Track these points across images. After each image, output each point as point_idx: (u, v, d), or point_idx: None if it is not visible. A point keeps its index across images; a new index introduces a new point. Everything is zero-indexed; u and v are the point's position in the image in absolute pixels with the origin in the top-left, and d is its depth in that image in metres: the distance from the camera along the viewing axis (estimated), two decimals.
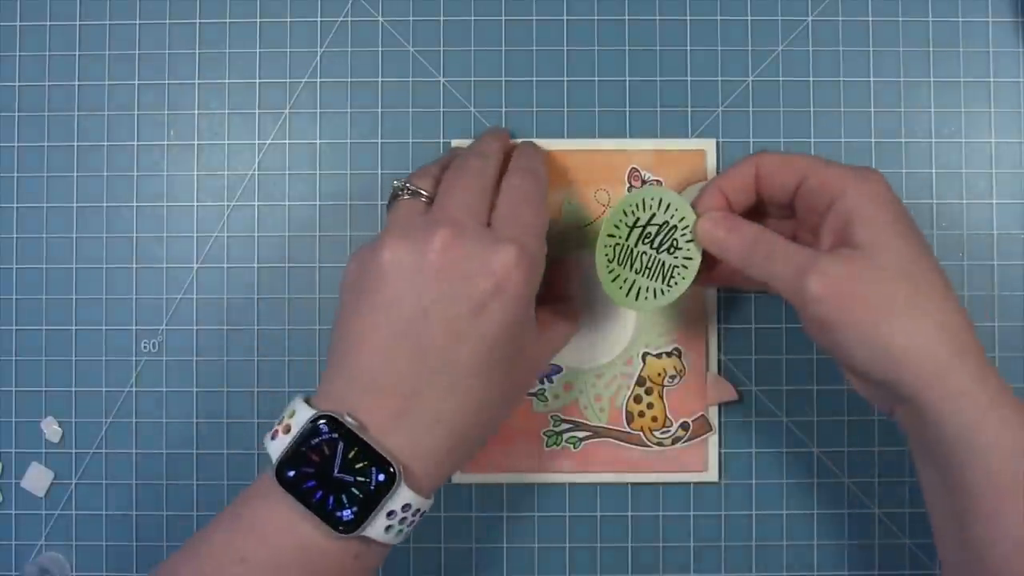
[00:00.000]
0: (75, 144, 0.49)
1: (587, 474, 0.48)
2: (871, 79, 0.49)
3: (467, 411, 0.38)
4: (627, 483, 0.49)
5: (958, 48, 0.49)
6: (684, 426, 0.48)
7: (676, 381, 0.48)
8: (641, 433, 0.48)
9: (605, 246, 0.45)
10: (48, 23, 0.49)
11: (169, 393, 0.49)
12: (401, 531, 0.38)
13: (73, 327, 0.49)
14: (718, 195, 0.43)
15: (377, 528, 0.37)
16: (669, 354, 0.48)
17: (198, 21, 0.49)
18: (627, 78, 0.49)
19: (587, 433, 0.48)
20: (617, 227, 0.45)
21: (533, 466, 0.48)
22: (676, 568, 0.49)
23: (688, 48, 0.49)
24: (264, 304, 0.49)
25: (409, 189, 0.41)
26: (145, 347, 0.49)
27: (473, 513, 0.49)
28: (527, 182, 0.41)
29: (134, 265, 0.49)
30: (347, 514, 0.36)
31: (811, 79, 0.49)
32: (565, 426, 0.48)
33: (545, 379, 0.48)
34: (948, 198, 0.49)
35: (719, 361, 0.48)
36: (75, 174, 0.49)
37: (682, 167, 0.48)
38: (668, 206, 0.44)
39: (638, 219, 0.45)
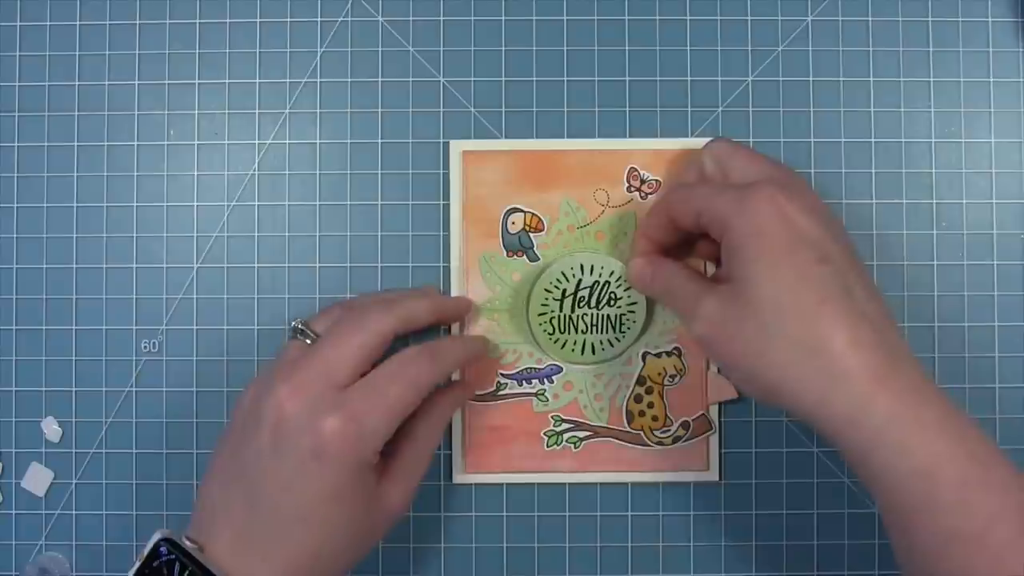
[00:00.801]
0: (75, 144, 0.49)
1: (588, 474, 0.48)
2: (871, 79, 0.49)
3: (295, 555, 0.39)
4: (627, 483, 0.49)
5: (958, 48, 0.49)
6: (685, 425, 0.48)
7: (676, 380, 0.48)
8: (642, 433, 0.48)
9: (540, 324, 0.48)
10: (48, 23, 0.49)
11: (169, 393, 0.49)
12: None
13: (73, 327, 0.49)
14: (643, 241, 0.45)
15: None
16: (669, 353, 0.48)
17: (198, 21, 0.49)
18: (627, 78, 0.49)
19: (588, 433, 0.48)
20: (546, 303, 0.48)
21: (534, 466, 0.48)
22: (676, 568, 0.49)
23: (688, 48, 0.49)
24: (264, 304, 0.49)
25: (299, 330, 0.43)
26: (145, 347, 0.49)
27: (473, 513, 0.49)
28: (416, 363, 0.41)
29: (134, 265, 0.49)
30: None
31: (811, 79, 0.49)
32: (566, 426, 0.48)
33: (545, 379, 0.48)
34: (948, 198, 0.49)
35: None
36: (75, 174, 0.49)
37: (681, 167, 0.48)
38: (592, 268, 0.48)
39: (564, 290, 0.48)
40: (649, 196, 0.48)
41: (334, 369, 0.40)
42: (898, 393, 0.36)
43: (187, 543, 0.39)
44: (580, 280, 0.48)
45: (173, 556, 0.38)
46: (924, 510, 0.36)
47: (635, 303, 0.48)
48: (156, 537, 0.39)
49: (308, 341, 0.43)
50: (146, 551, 0.39)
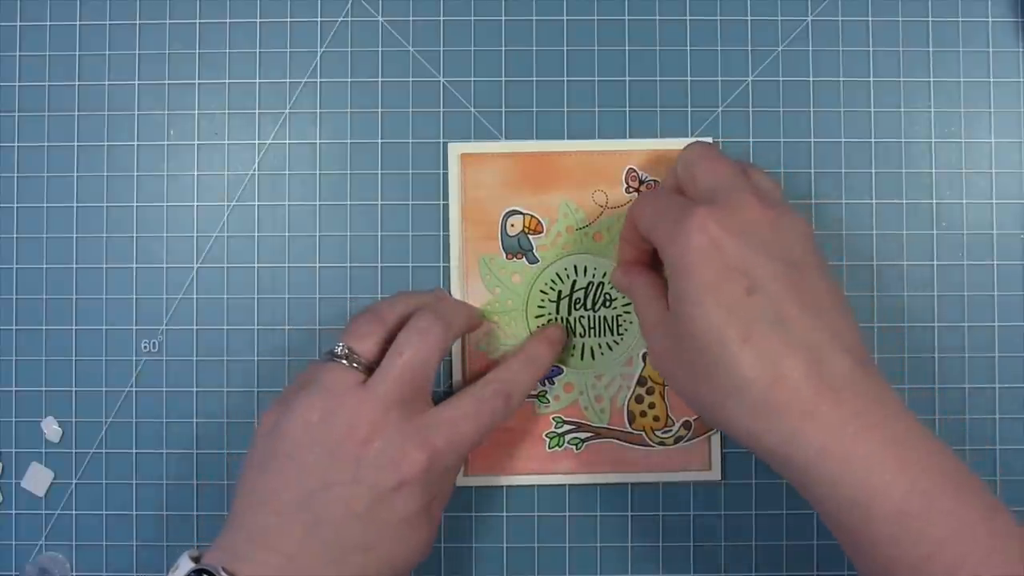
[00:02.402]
0: (75, 144, 0.49)
1: (591, 475, 0.48)
2: (871, 79, 0.49)
3: None
4: (628, 483, 0.49)
5: (958, 48, 0.49)
6: (686, 425, 0.48)
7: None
8: (643, 433, 0.48)
9: (539, 326, 0.48)
10: (48, 23, 0.49)
11: (169, 393, 0.49)
12: None
13: (73, 327, 0.49)
14: (623, 246, 0.46)
15: None
16: None
17: (198, 21, 0.49)
18: (627, 78, 0.49)
19: (589, 434, 0.48)
20: (543, 306, 0.48)
21: (536, 468, 0.48)
22: (676, 568, 0.49)
23: (688, 48, 0.49)
24: (264, 304, 0.49)
25: (345, 353, 0.41)
26: (145, 347, 0.49)
27: (473, 513, 0.49)
28: (490, 401, 0.42)
29: (134, 265, 0.49)
30: None
31: (811, 79, 0.49)
32: (567, 427, 0.48)
33: (546, 381, 0.48)
34: (948, 198, 0.49)
35: None
36: (75, 174, 0.49)
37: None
38: (586, 269, 0.48)
39: (560, 292, 0.48)
40: None
41: (411, 394, 0.41)
42: (829, 426, 0.35)
43: (223, 573, 0.37)
44: (575, 281, 0.48)
45: None
46: (863, 538, 0.36)
47: (630, 304, 0.48)
48: (188, 566, 0.38)
49: (355, 365, 0.41)
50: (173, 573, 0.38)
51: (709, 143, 0.44)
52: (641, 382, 0.48)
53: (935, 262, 0.49)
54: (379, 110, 0.49)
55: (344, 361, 0.41)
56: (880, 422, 0.36)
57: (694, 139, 0.49)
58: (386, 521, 0.39)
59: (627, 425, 0.48)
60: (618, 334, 0.48)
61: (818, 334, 0.37)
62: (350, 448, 0.39)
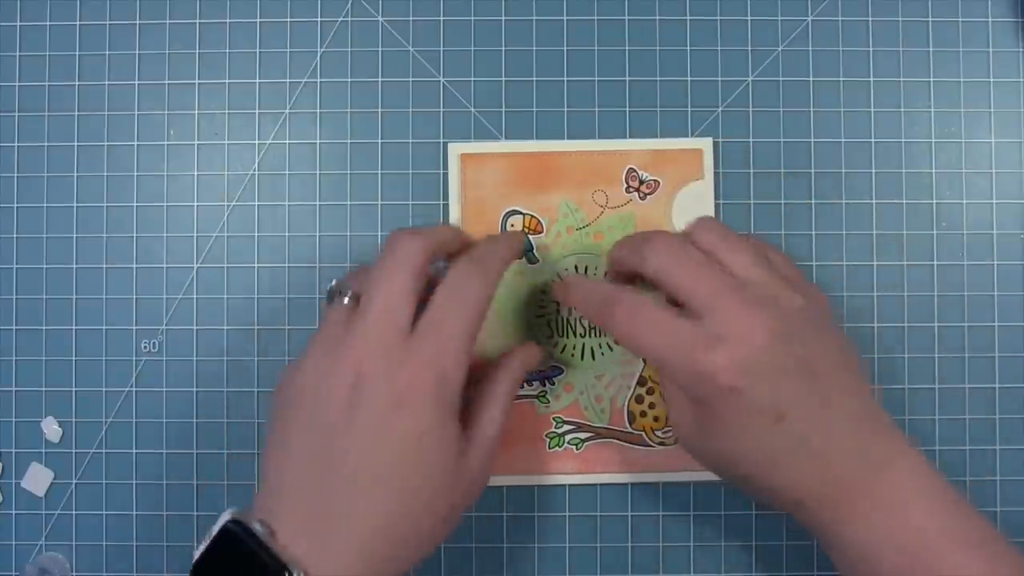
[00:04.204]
0: (75, 144, 0.49)
1: (591, 475, 0.48)
2: (871, 79, 0.49)
3: (376, 519, 0.38)
4: (629, 483, 0.49)
5: (958, 48, 0.49)
6: None
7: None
8: (643, 433, 0.48)
9: (539, 327, 0.48)
10: (48, 23, 0.49)
11: (169, 393, 0.49)
12: None
13: (73, 327, 0.49)
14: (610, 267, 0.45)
15: None
16: None
17: (198, 21, 0.49)
18: (627, 78, 0.49)
19: (589, 434, 0.48)
20: (543, 306, 0.48)
21: (536, 468, 0.48)
22: (676, 568, 0.49)
23: (688, 48, 0.49)
24: (264, 304, 0.49)
25: (336, 292, 0.41)
26: (145, 347, 0.49)
27: (473, 513, 0.49)
28: (465, 281, 0.41)
29: (134, 265, 0.49)
30: None
31: (811, 79, 0.49)
32: (567, 428, 0.48)
33: (546, 381, 0.48)
34: (948, 198, 0.49)
35: None
36: (75, 174, 0.49)
37: (679, 166, 0.48)
38: (585, 269, 0.48)
39: None
40: (648, 196, 0.48)
41: (394, 317, 0.39)
42: (857, 525, 0.39)
43: (257, 527, 0.37)
44: None
45: (244, 541, 0.37)
46: None
47: None
48: (225, 518, 0.38)
49: (346, 300, 0.41)
50: (215, 531, 0.38)
51: (664, 236, 0.42)
52: (641, 382, 0.48)
53: (935, 262, 0.49)
54: (379, 110, 0.49)
55: (337, 299, 0.41)
56: (901, 507, 0.38)
57: (694, 139, 0.49)
58: (398, 447, 0.38)
59: (627, 425, 0.48)
60: None
61: (844, 436, 0.39)
62: (345, 380, 0.38)
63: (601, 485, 0.49)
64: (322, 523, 0.38)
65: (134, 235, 0.49)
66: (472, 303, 0.40)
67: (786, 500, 0.40)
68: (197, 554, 0.38)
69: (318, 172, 0.49)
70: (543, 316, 0.48)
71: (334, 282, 0.42)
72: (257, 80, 0.49)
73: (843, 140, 0.49)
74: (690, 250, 0.41)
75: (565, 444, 0.48)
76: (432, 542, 0.40)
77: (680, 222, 0.48)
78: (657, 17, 0.49)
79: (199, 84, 0.49)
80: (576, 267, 0.48)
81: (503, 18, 0.49)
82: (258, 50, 0.49)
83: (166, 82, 0.49)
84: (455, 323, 0.39)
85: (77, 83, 0.49)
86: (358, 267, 0.44)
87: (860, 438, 0.39)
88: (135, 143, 0.49)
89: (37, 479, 0.49)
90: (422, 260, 0.40)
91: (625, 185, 0.48)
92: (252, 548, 0.37)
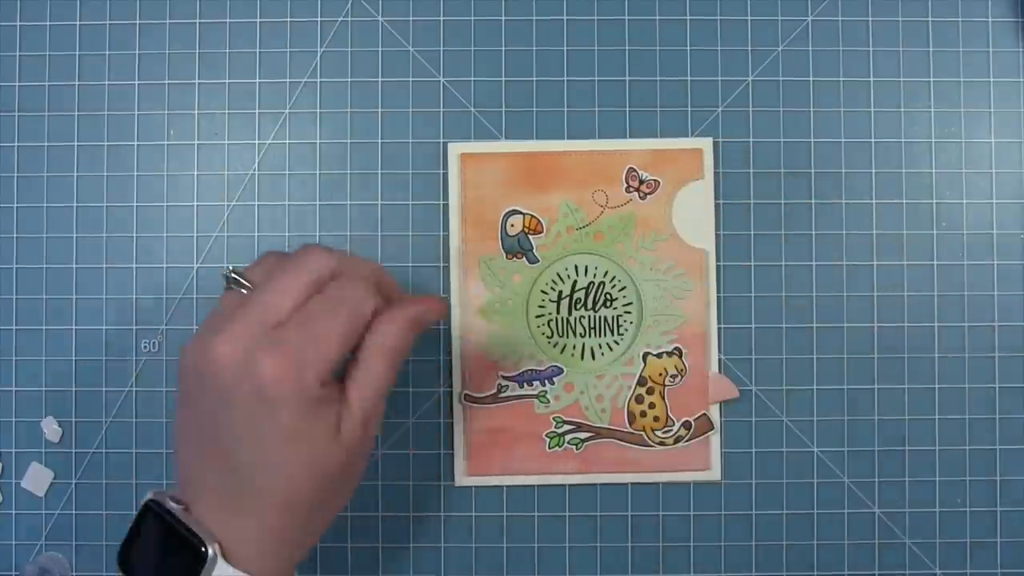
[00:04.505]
0: (75, 144, 0.49)
1: (591, 475, 0.48)
2: (871, 79, 0.49)
3: (268, 506, 0.38)
4: (629, 483, 0.49)
5: (958, 48, 0.49)
6: (686, 425, 0.48)
7: (677, 380, 0.48)
8: (643, 433, 0.48)
9: (539, 327, 0.48)
10: (48, 23, 0.49)
11: (169, 393, 0.49)
12: None
13: (73, 327, 0.49)
14: None
15: None
16: (670, 353, 0.48)
17: (198, 21, 0.49)
18: (627, 78, 0.49)
19: (589, 434, 0.48)
20: (543, 306, 0.48)
21: (536, 468, 0.48)
22: (676, 568, 0.49)
23: (688, 48, 0.49)
24: None
25: (232, 279, 0.41)
26: (145, 347, 0.49)
27: (473, 513, 0.49)
28: (353, 288, 0.39)
29: (134, 265, 0.49)
30: None
31: (811, 79, 0.49)
32: (567, 427, 0.48)
33: (546, 381, 0.48)
34: (948, 198, 0.49)
35: (719, 361, 0.49)
36: (75, 174, 0.49)
37: (679, 166, 0.48)
38: (586, 269, 0.48)
39: (560, 292, 0.48)
40: (648, 196, 0.48)
41: (270, 312, 0.38)
42: None
43: (172, 504, 0.39)
44: (575, 282, 0.48)
45: (161, 518, 0.38)
46: None
47: (630, 304, 0.48)
48: (146, 497, 0.39)
49: (244, 291, 0.40)
50: (134, 517, 0.39)
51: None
52: (641, 382, 0.48)
53: (935, 262, 0.49)
54: (379, 110, 0.49)
55: (233, 287, 0.40)
56: None
57: (694, 139, 0.49)
58: (271, 437, 0.38)
59: (627, 425, 0.48)
60: (618, 334, 0.48)
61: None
62: (211, 369, 0.38)
63: (601, 485, 0.49)
64: (227, 504, 0.39)
65: (134, 235, 0.49)
66: (351, 304, 0.39)
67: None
68: (122, 538, 0.39)
69: (318, 172, 0.49)
70: (543, 316, 0.48)
71: (229, 271, 0.41)
72: (257, 80, 0.49)
73: (843, 140, 0.49)
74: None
75: (565, 444, 0.48)
76: (334, 510, 0.41)
77: (680, 222, 0.48)
78: (657, 17, 0.49)
79: (199, 84, 0.49)
80: (576, 267, 0.48)
81: (503, 18, 0.49)
82: (258, 50, 0.49)
83: (166, 82, 0.49)
84: (326, 319, 0.38)
85: (77, 83, 0.49)
86: (267, 254, 0.42)
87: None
88: (135, 143, 0.49)
89: (37, 479, 0.49)
90: (324, 275, 0.39)
91: (625, 185, 0.49)
92: (171, 523, 0.38)
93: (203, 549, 0.37)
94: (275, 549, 0.39)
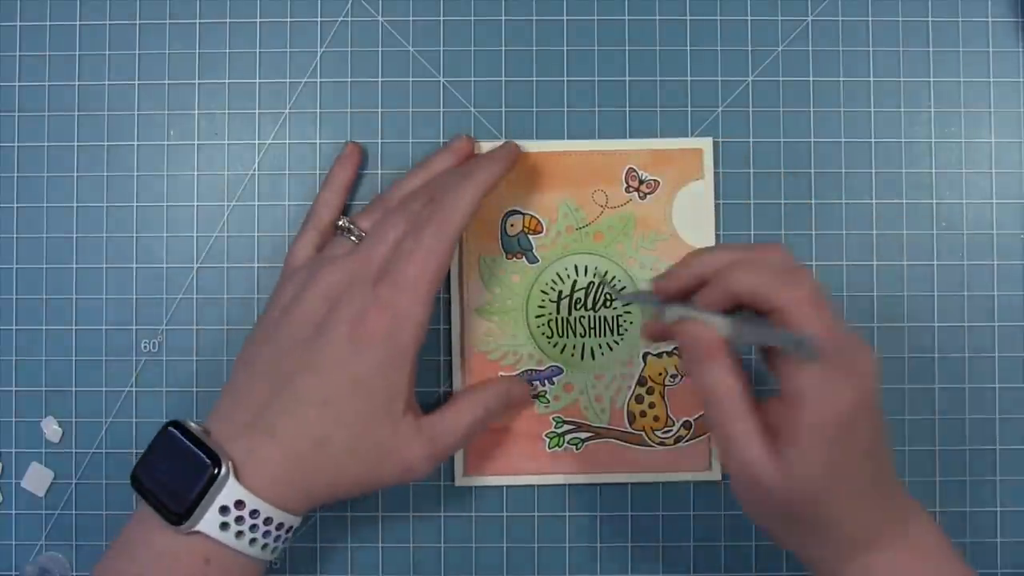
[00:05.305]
0: (75, 144, 0.49)
1: (591, 475, 0.48)
2: (871, 79, 0.49)
3: (302, 435, 0.40)
4: (629, 483, 0.49)
5: (958, 48, 0.49)
6: (686, 425, 0.48)
7: (677, 380, 0.48)
8: (643, 433, 0.48)
9: (539, 327, 0.48)
10: (48, 23, 0.49)
11: (169, 393, 0.49)
12: (255, 540, 0.39)
13: (73, 327, 0.49)
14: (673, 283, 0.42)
15: (210, 523, 0.39)
16: (670, 353, 0.48)
17: (198, 21, 0.49)
18: (627, 78, 0.49)
19: (589, 434, 0.48)
20: (543, 306, 0.48)
21: (536, 468, 0.48)
22: (676, 568, 0.49)
23: (688, 48, 0.49)
24: (264, 304, 0.49)
25: (345, 228, 0.45)
26: (145, 347, 0.49)
27: (473, 513, 0.49)
28: (427, 235, 0.41)
29: (134, 265, 0.49)
30: (179, 507, 0.39)
31: (811, 79, 0.49)
32: (567, 427, 0.48)
33: (546, 381, 0.48)
34: (948, 198, 0.49)
35: None
36: (75, 174, 0.49)
37: (679, 166, 0.48)
38: (586, 269, 0.48)
39: (560, 292, 0.48)
40: (648, 196, 0.48)
41: (375, 266, 0.42)
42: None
43: (193, 425, 0.40)
44: (575, 282, 0.48)
45: (177, 438, 0.40)
46: None
47: (630, 303, 0.48)
48: (166, 422, 0.41)
49: (353, 238, 0.44)
50: (156, 434, 0.41)
51: (805, 278, 0.38)
52: (641, 382, 0.48)
53: (935, 262, 0.49)
54: (379, 110, 0.49)
55: (344, 235, 0.45)
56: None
57: (694, 139, 0.49)
58: (345, 377, 0.40)
59: (627, 425, 0.48)
60: (618, 334, 0.48)
61: (892, 483, 0.40)
62: (316, 305, 0.42)
63: (601, 485, 0.49)
64: (258, 426, 0.40)
65: (134, 235, 0.49)
66: (428, 252, 0.41)
67: (853, 537, 0.39)
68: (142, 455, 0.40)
69: (318, 172, 0.49)
70: (543, 316, 0.48)
71: (344, 220, 0.45)
72: (257, 80, 0.49)
73: (843, 140, 0.49)
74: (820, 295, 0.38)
75: (565, 444, 0.48)
76: (352, 484, 0.41)
77: (680, 222, 0.48)
78: (657, 17, 0.49)
79: (199, 84, 0.49)
80: (576, 267, 0.48)
81: (503, 18, 0.49)
82: (258, 50, 0.49)
83: (166, 82, 0.49)
84: (414, 271, 0.41)
85: (77, 83, 0.49)
86: (375, 203, 0.46)
87: (896, 483, 0.40)
88: (135, 143, 0.49)
89: (37, 479, 0.49)
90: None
91: (625, 185, 0.48)
92: (188, 447, 0.39)
93: (215, 469, 0.38)
94: (289, 478, 0.40)
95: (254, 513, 0.39)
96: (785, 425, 0.37)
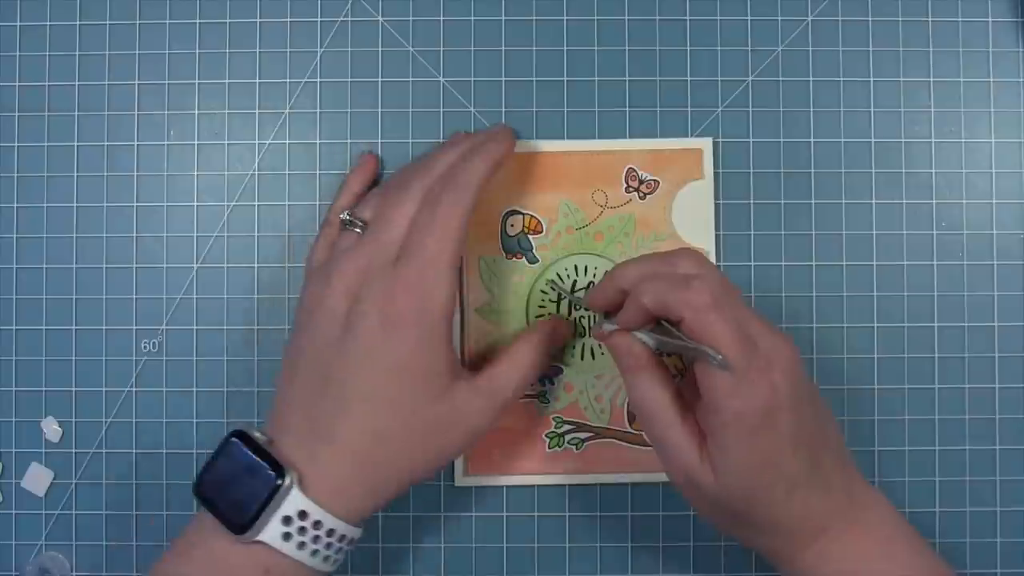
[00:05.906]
0: (75, 144, 0.49)
1: (591, 475, 0.48)
2: (871, 79, 0.49)
3: (358, 435, 0.40)
4: (629, 483, 0.49)
5: (958, 48, 0.49)
6: None
7: (677, 380, 0.48)
8: (643, 433, 0.48)
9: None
10: (48, 23, 0.49)
11: (169, 393, 0.49)
12: (317, 552, 0.39)
13: (73, 327, 0.49)
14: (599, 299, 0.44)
15: (272, 533, 0.39)
16: (670, 353, 0.48)
17: (198, 21, 0.49)
18: (627, 78, 0.49)
19: (589, 434, 0.48)
20: (543, 306, 0.48)
21: (536, 468, 0.48)
22: (676, 568, 0.49)
23: (688, 48, 0.49)
24: (264, 304, 0.49)
25: (347, 221, 0.44)
26: (145, 347, 0.49)
27: (473, 513, 0.49)
28: (441, 205, 0.41)
29: (134, 265, 0.49)
30: (242, 517, 0.39)
31: (811, 79, 0.49)
32: (567, 427, 0.48)
33: (546, 381, 0.48)
34: (948, 198, 0.49)
35: None
36: (75, 174, 0.49)
37: (679, 166, 0.48)
38: (586, 268, 0.48)
39: (560, 292, 0.48)
40: (648, 196, 0.48)
41: (391, 248, 0.41)
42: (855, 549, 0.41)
43: (258, 435, 0.40)
44: (576, 282, 0.48)
45: (241, 448, 0.39)
46: None
47: None
48: (230, 431, 0.40)
49: (358, 230, 0.43)
50: (220, 443, 0.40)
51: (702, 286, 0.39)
52: None
53: (935, 262, 0.49)
54: (379, 110, 0.49)
55: (348, 228, 0.44)
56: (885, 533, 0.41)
57: (694, 139, 0.49)
58: (384, 365, 0.40)
59: (627, 425, 0.48)
60: None
61: (842, 472, 0.41)
62: (340, 300, 0.41)
63: (601, 485, 0.49)
64: (314, 432, 0.40)
65: (134, 235, 0.49)
66: (445, 222, 0.41)
67: (801, 528, 0.40)
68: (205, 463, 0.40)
69: (318, 172, 0.49)
70: (543, 316, 0.48)
71: (345, 214, 0.44)
72: (257, 80, 0.49)
73: (843, 140, 0.49)
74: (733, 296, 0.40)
75: (565, 444, 0.48)
76: (422, 466, 0.41)
77: (680, 222, 0.48)
78: (657, 17, 0.49)
79: (199, 84, 0.49)
80: (576, 267, 0.48)
81: (503, 18, 0.49)
82: (258, 50, 0.49)
83: (166, 82, 0.49)
84: (434, 243, 0.41)
85: (77, 83, 0.49)
86: (371, 194, 0.45)
87: (848, 472, 0.41)
88: (135, 143, 0.49)
89: (37, 479, 0.49)
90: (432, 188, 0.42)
91: (625, 185, 0.48)
92: (252, 458, 0.39)
93: (279, 480, 0.38)
94: (352, 485, 0.40)
95: (317, 524, 0.39)
96: (708, 428, 0.39)
